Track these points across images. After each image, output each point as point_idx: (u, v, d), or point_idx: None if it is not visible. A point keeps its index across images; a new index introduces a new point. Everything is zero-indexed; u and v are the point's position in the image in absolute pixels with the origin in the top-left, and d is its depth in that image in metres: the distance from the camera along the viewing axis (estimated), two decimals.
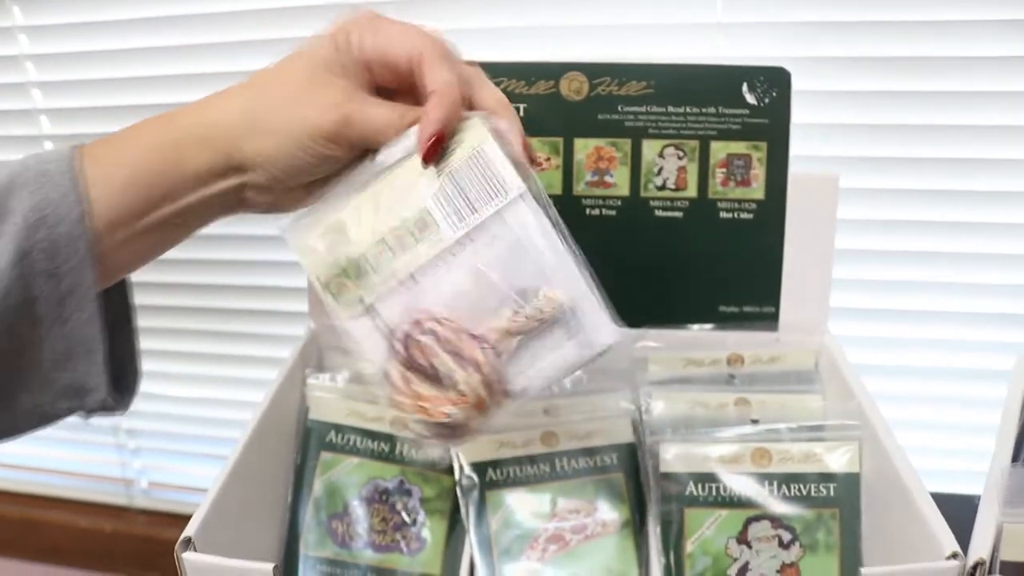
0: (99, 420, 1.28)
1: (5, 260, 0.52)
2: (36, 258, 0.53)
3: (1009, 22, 0.85)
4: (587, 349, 0.57)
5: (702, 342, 0.82)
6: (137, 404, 1.25)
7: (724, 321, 0.82)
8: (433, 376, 0.55)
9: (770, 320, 0.82)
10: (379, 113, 0.56)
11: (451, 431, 0.56)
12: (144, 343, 1.22)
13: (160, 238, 0.58)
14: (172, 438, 1.29)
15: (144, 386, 1.24)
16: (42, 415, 0.58)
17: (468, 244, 0.57)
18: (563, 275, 0.57)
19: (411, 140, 0.57)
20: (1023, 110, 0.87)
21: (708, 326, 0.82)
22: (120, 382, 0.63)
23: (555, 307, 0.56)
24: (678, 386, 0.79)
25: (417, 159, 0.57)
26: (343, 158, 0.57)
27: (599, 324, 0.57)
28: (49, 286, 0.54)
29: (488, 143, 0.57)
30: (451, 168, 0.57)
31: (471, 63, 0.60)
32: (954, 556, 0.55)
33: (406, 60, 0.57)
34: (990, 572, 0.55)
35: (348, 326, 0.58)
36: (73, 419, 1.29)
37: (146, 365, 1.24)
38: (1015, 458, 0.67)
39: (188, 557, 0.56)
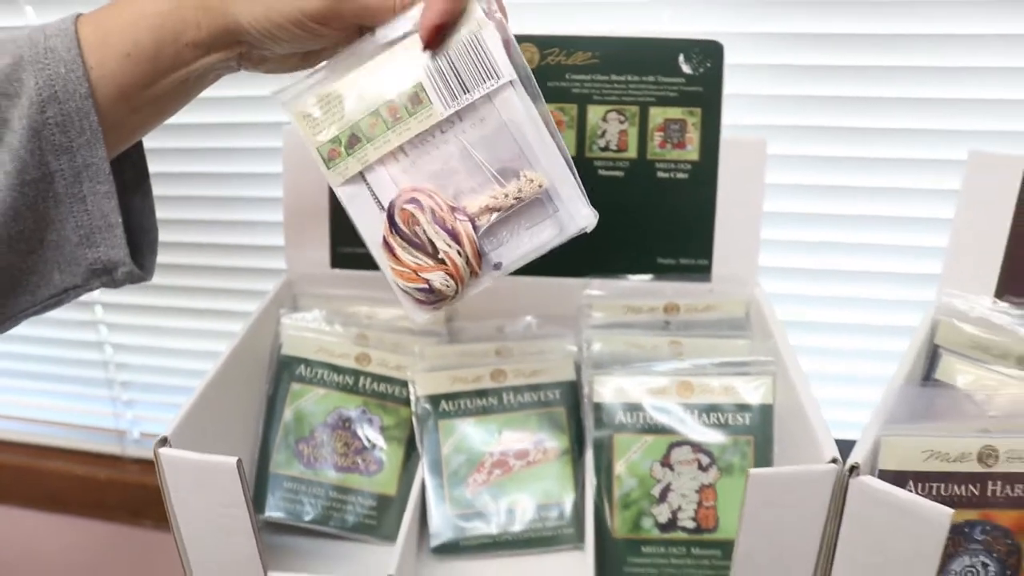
0: (93, 374, 1.36)
1: (20, 136, 0.56)
2: (49, 134, 0.56)
3: (921, 2, 0.93)
4: (563, 230, 0.62)
5: (642, 291, 0.89)
6: (130, 358, 1.33)
7: (662, 272, 0.89)
8: (419, 245, 0.60)
9: (703, 272, 0.89)
10: None
11: (438, 298, 0.61)
12: (138, 299, 1.29)
13: (163, 106, 0.62)
14: (164, 391, 1.36)
15: (138, 340, 1.32)
16: (77, 291, 0.62)
17: (457, 122, 0.60)
18: (545, 160, 0.60)
19: (411, 19, 0.59)
20: (935, 83, 0.94)
21: (647, 276, 0.89)
22: (142, 248, 0.65)
23: (534, 188, 0.60)
24: (618, 330, 0.86)
25: (416, 38, 0.59)
26: (336, 35, 0.60)
27: (576, 208, 0.62)
28: (64, 161, 0.57)
29: (488, 29, 0.59)
30: (448, 49, 0.59)
31: None
32: (833, 461, 0.62)
33: None
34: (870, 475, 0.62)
35: (339, 192, 0.62)
36: (68, 372, 1.36)
37: (140, 320, 1.32)
38: None
39: (164, 452, 0.63)
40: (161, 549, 1.42)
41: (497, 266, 0.62)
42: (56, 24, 0.58)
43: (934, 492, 0.65)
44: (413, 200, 0.60)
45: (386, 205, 0.61)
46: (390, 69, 0.60)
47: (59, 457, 1.45)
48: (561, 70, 0.87)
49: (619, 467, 0.78)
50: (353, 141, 0.61)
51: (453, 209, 0.60)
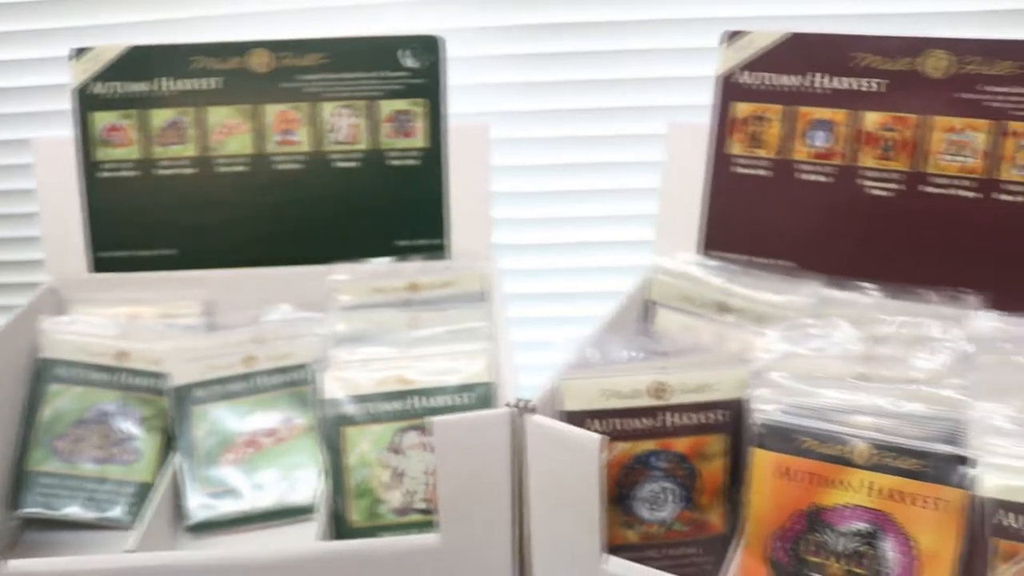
0: None
1: None
2: None
3: None
4: None
5: (385, 273, 0.93)
6: None
7: (401, 254, 0.93)
8: None
9: (440, 251, 0.93)
10: None
11: None
12: None
13: None
14: None
15: None
16: None
17: None
18: None
19: None
20: (647, 64, 1.01)
21: (388, 259, 0.94)
22: None
23: None
24: (363, 311, 0.90)
25: None
26: None
27: None
28: None
29: None
30: None
31: None
32: (509, 405, 0.66)
33: None
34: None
35: None
36: None
37: None
38: None
39: None
40: None
41: None
42: None
43: (615, 427, 0.70)
44: None
45: None
46: None
47: None
48: (293, 71, 0.90)
49: (351, 458, 0.79)
50: None
51: None
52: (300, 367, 0.87)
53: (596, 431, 0.64)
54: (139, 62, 0.89)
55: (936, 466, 0.63)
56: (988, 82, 0.77)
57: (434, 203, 0.92)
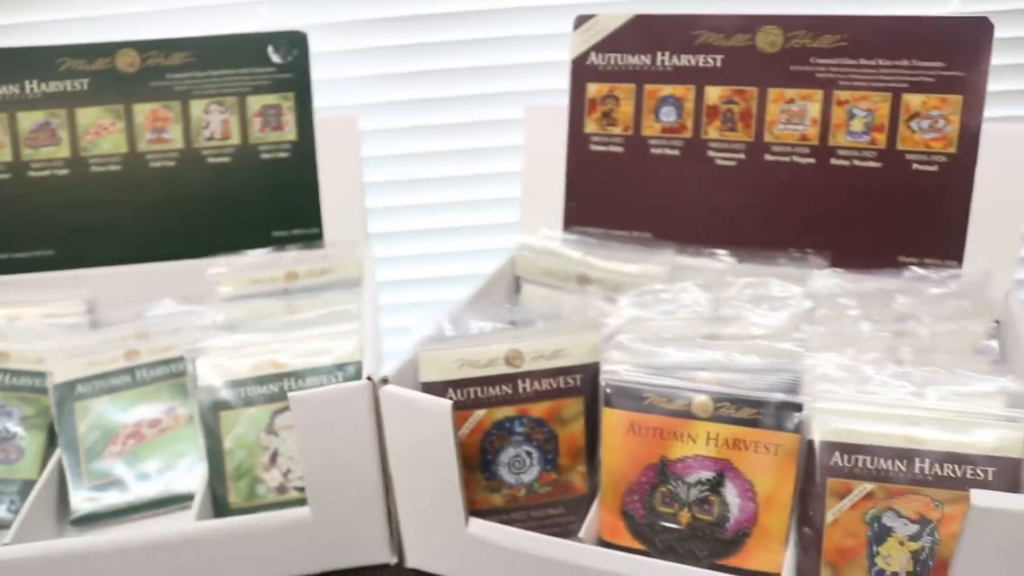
0: None
1: None
2: None
3: None
4: None
5: (263, 263, 0.94)
6: None
7: (279, 244, 0.95)
8: None
9: (316, 239, 0.95)
10: None
11: None
12: None
13: None
14: None
15: None
16: None
17: None
18: None
19: None
20: (509, 52, 1.04)
21: (266, 250, 0.95)
22: None
23: None
24: (242, 301, 0.91)
25: None
26: None
27: None
28: None
29: None
30: None
31: None
32: (368, 379, 0.69)
33: None
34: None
35: None
36: None
37: None
38: None
39: None
40: None
41: None
42: None
43: (473, 395, 0.73)
44: None
45: None
46: None
47: None
48: (161, 70, 0.91)
49: (228, 442, 0.80)
50: None
51: None
52: (182, 359, 0.88)
53: (454, 400, 0.67)
54: (3, 65, 0.89)
55: (772, 414, 0.67)
56: (816, 55, 0.81)
57: (308, 193, 0.94)
